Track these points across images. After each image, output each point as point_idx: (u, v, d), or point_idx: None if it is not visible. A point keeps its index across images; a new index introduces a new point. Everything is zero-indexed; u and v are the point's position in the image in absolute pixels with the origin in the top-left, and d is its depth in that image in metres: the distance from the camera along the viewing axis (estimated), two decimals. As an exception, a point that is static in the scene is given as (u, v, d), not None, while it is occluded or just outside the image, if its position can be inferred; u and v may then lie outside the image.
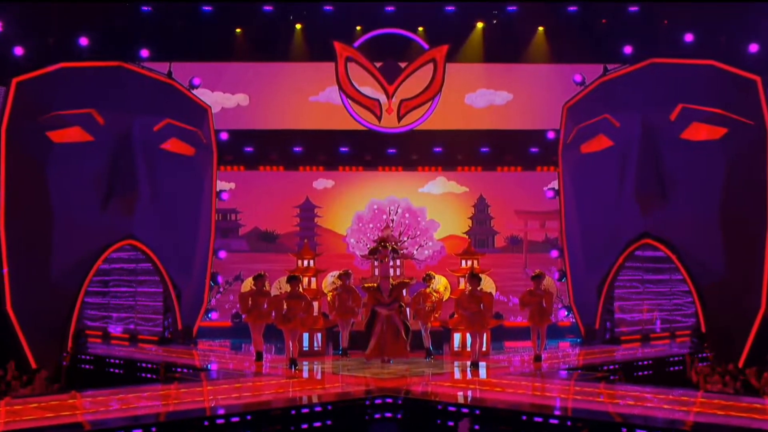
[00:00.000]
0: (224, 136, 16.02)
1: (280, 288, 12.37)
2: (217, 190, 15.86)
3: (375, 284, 12.03)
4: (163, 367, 11.40)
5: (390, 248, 12.14)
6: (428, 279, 12.52)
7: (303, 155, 16.97)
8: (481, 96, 16.76)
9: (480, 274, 12.04)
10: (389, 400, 9.01)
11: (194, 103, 15.33)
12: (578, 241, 15.16)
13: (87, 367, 12.54)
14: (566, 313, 15.81)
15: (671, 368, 12.22)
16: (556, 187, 15.77)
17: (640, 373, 11.71)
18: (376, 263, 13.06)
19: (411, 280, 13.02)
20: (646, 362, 11.98)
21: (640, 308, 15.16)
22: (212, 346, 14.54)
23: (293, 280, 11.51)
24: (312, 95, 16.77)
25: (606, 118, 14.39)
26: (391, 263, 12.48)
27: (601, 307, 14.63)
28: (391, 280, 11.99)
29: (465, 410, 8.32)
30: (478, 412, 8.34)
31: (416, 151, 17.01)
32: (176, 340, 14.58)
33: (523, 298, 11.96)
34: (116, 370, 11.98)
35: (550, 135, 15.92)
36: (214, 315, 15.76)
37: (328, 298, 12.85)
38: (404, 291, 12.45)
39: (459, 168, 17.26)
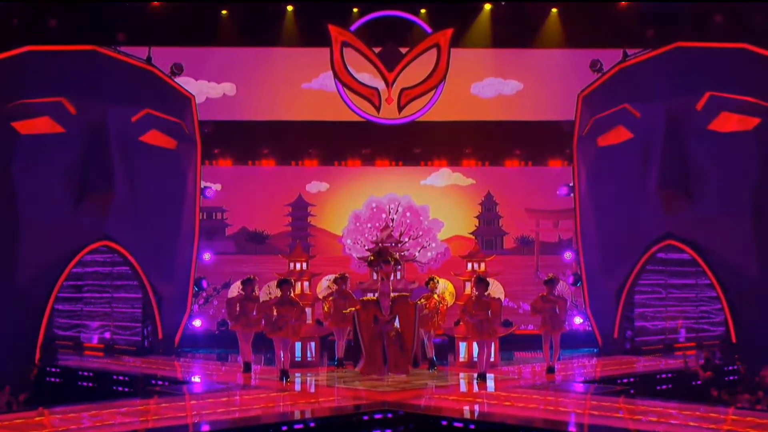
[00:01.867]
0: (209, 127, 16.02)
1: (270, 293, 12.30)
2: (202, 186, 15.88)
3: (372, 299, 11.79)
4: (141, 379, 11.41)
5: (393, 261, 11.79)
6: (431, 283, 12.44)
7: (295, 149, 16.98)
8: (488, 85, 16.72)
9: (487, 279, 11.88)
10: (389, 415, 8.98)
11: (176, 92, 15.30)
12: (595, 243, 15.18)
13: (56, 380, 12.39)
14: (582, 320, 15.83)
15: (697, 381, 12.13)
16: (571, 184, 15.87)
17: (662, 387, 11.70)
18: (375, 275, 12.76)
19: (414, 285, 13.05)
20: (668, 375, 11.98)
21: (663, 316, 15.23)
22: (196, 357, 14.57)
23: (284, 284, 11.35)
24: (305, 82, 16.72)
25: (625, 108, 14.38)
26: (393, 277, 12.17)
27: (620, 315, 14.65)
28: (391, 295, 11.70)
29: (472, 426, 8.26)
30: (485, 427, 8.34)
31: (418, 145, 17.00)
32: (156, 350, 14.58)
33: (535, 304, 11.88)
34: (88, 384, 11.86)
35: (565, 127, 15.90)
36: (198, 322, 15.80)
37: (324, 307, 12.67)
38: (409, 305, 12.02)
39: (465, 162, 17.28)
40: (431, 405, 9.80)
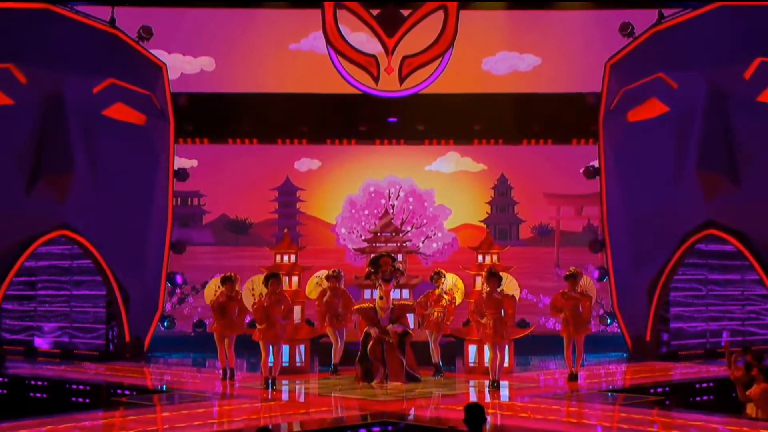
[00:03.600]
0: (184, 100, 15.76)
1: (253, 289, 11.93)
2: (175, 168, 15.80)
3: (371, 306, 12.01)
4: (104, 389, 11.36)
5: (394, 276, 11.87)
6: (437, 278, 12.43)
7: (282, 125, 16.65)
8: (502, 61, 16.60)
9: (501, 273, 11.90)
10: (390, 428, 8.97)
11: (145, 59, 15.13)
12: (624, 232, 15.08)
13: (3, 391, 12.21)
14: (609, 321, 15.73)
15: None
16: (596, 164, 15.72)
17: (702, 398, 11.56)
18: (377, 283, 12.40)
19: (417, 280, 13.13)
20: (710, 384, 11.81)
21: (703, 316, 15.06)
22: (169, 363, 14.50)
23: (272, 279, 11.36)
24: (293, 43, 16.47)
25: (660, 78, 14.25)
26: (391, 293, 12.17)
27: (653, 314, 14.53)
28: (392, 302, 11.93)
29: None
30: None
31: (422, 121, 16.64)
32: (123, 355, 14.53)
33: (555, 302, 11.90)
34: (41, 395, 11.71)
35: (590, 100, 15.72)
36: (170, 323, 15.74)
37: (317, 307, 12.71)
38: (408, 313, 12.46)
39: (476, 141, 17.03)
40: (437, 416, 9.80)
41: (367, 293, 13.56)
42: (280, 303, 11.26)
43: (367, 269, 12.34)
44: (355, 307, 12.30)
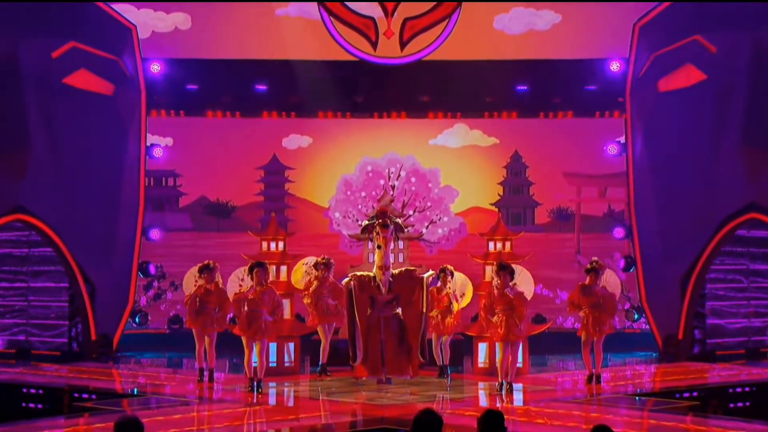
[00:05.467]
0: (157, 68, 15.70)
1: (243, 281, 12.07)
2: (148, 143, 15.79)
3: (369, 274, 11.99)
4: (66, 393, 11.26)
5: (392, 224, 12.06)
6: (444, 276, 12.47)
7: (268, 96, 16.52)
8: (516, 18, 16.26)
9: (512, 265, 11.86)
10: None
11: (112, 20, 14.95)
12: (653, 216, 15.11)
13: None
14: (636, 316, 15.68)
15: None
16: (623, 140, 15.76)
17: (742, 404, 11.54)
18: (370, 246, 13.08)
19: (421, 270, 12.79)
20: (751, 388, 11.84)
21: (745, 312, 14.93)
22: (141, 363, 14.55)
23: (257, 268, 11.36)
24: (280, 7, 16.24)
25: (697, 41, 14.10)
26: (393, 246, 12.49)
27: (687, 309, 14.47)
28: (392, 269, 11.96)
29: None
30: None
31: (426, 91, 16.54)
32: (88, 355, 14.50)
33: (574, 297, 11.92)
34: None
35: (615, 67, 15.63)
36: (143, 319, 15.74)
37: (305, 299, 12.75)
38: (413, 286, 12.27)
39: (486, 114, 16.92)
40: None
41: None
42: (266, 296, 11.23)
43: (364, 224, 12.35)
44: (350, 275, 12.22)
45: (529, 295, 12.05)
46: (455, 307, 12.44)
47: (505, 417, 5.63)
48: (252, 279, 11.31)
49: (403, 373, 11.69)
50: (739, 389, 11.63)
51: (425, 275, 11.95)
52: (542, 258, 15.08)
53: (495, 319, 11.26)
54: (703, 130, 14.14)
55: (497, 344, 11.52)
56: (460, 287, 12.63)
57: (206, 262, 11.99)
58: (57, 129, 13.99)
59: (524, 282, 12.40)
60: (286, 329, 12.58)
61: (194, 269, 12.19)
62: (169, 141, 16.49)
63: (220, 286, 12.07)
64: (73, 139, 14.15)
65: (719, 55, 13.86)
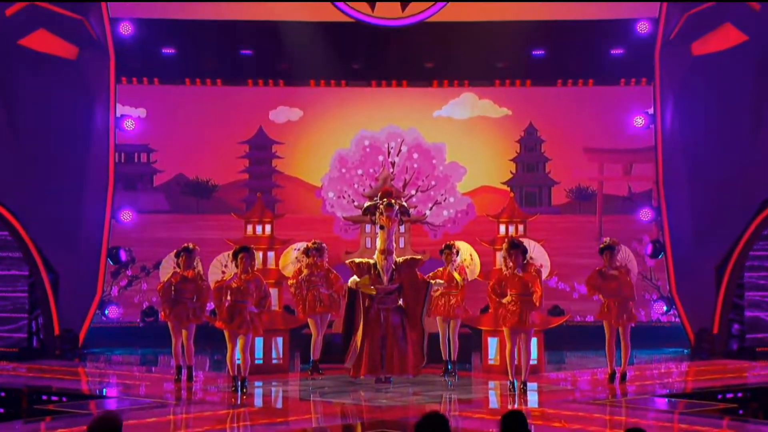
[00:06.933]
0: (128, 29, 15.72)
1: (225, 267, 11.90)
2: (118, 115, 15.87)
3: (369, 261, 11.96)
4: (25, 395, 11.22)
5: (397, 206, 11.93)
6: (448, 253, 12.36)
7: (254, 62, 16.56)
8: None
9: (525, 244, 11.57)
10: None
11: None
12: (685, 197, 15.23)
13: None
14: (666, 308, 15.78)
15: None
16: (651, 111, 15.87)
17: None
18: (368, 230, 13.13)
19: (424, 256, 12.81)
20: None
21: None
22: (111, 361, 14.65)
23: (242, 253, 11.24)
24: None
25: None
26: (394, 230, 12.24)
27: (722, 301, 14.45)
28: (395, 256, 11.88)
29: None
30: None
31: (430, 56, 16.48)
32: (51, 351, 14.51)
33: (591, 280, 11.79)
34: None
35: (642, 28, 15.66)
36: (113, 312, 15.84)
37: (291, 288, 12.56)
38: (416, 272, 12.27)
39: (497, 82, 16.92)
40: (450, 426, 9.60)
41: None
42: (251, 284, 11.15)
43: (364, 205, 12.27)
44: (348, 261, 12.24)
45: (544, 274, 11.93)
46: (473, 273, 12.46)
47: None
48: (236, 266, 11.15)
49: (404, 372, 11.65)
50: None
51: (433, 282, 11.92)
52: (559, 243, 14.95)
53: (506, 299, 11.02)
54: (743, 100, 14.18)
55: (506, 332, 11.22)
56: (468, 256, 12.50)
57: (186, 245, 11.88)
58: (13, 98, 14.06)
59: (539, 259, 12.17)
60: (275, 322, 12.55)
61: (172, 255, 12.04)
62: (141, 112, 16.42)
63: (200, 272, 11.89)
64: (31, 109, 14.20)
65: (763, 13, 13.89)
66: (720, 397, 10.88)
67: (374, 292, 11.84)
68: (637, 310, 12.62)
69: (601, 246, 11.76)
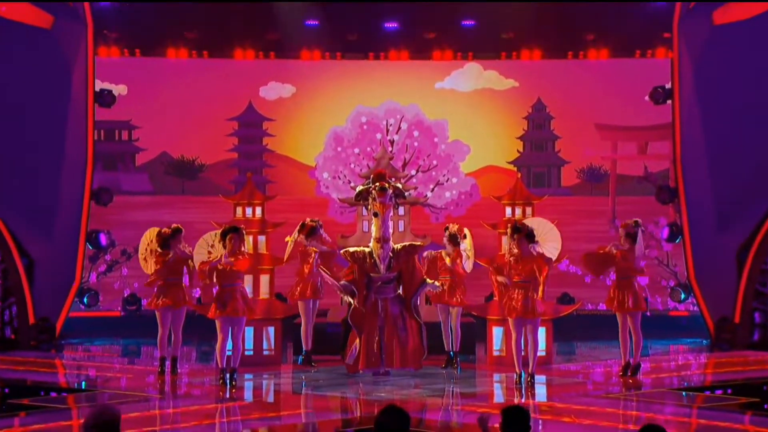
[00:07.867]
0: None
1: (213, 247, 11.73)
2: (96, 89, 15.99)
3: (364, 249, 11.91)
4: None
5: (392, 189, 11.89)
6: (453, 237, 12.30)
7: (241, 33, 16.59)
8: None
9: (536, 223, 11.66)
10: None
11: None
12: (705, 177, 15.27)
13: None
14: (683, 296, 15.84)
15: None
16: (669, 86, 15.97)
17: None
18: (365, 213, 13.15)
19: (425, 241, 12.95)
20: None
21: None
22: (90, 352, 14.77)
23: (231, 233, 11.17)
24: None
25: None
26: (392, 214, 12.35)
27: (744, 288, 14.40)
28: (392, 243, 11.85)
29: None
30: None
31: (431, 25, 16.51)
32: (25, 342, 14.55)
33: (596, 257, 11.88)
34: None
35: None
36: (93, 300, 15.92)
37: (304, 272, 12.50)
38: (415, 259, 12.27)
39: (504, 54, 16.91)
40: (452, 421, 10.03)
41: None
42: (239, 264, 11.13)
43: (358, 188, 12.15)
44: (343, 251, 12.16)
45: (555, 255, 11.89)
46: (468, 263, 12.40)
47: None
48: (224, 246, 11.04)
49: (405, 365, 11.64)
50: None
51: (430, 282, 11.85)
52: (570, 226, 14.58)
53: (511, 280, 10.93)
54: (765, 74, 14.23)
55: (511, 322, 11.16)
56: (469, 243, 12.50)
57: (174, 225, 11.84)
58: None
59: (551, 240, 12.10)
60: (265, 311, 12.47)
61: (149, 232, 11.99)
62: (122, 87, 16.46)
63: (187, 252, 11.84)
64: (3, 83, 14.16)
65: (791, -21, 13.51)
66: (741, 390, 10.80)
67: (364, 251, 11.85)
68: (654, 297, 12.62)
69: (626, 232, 11.68)
